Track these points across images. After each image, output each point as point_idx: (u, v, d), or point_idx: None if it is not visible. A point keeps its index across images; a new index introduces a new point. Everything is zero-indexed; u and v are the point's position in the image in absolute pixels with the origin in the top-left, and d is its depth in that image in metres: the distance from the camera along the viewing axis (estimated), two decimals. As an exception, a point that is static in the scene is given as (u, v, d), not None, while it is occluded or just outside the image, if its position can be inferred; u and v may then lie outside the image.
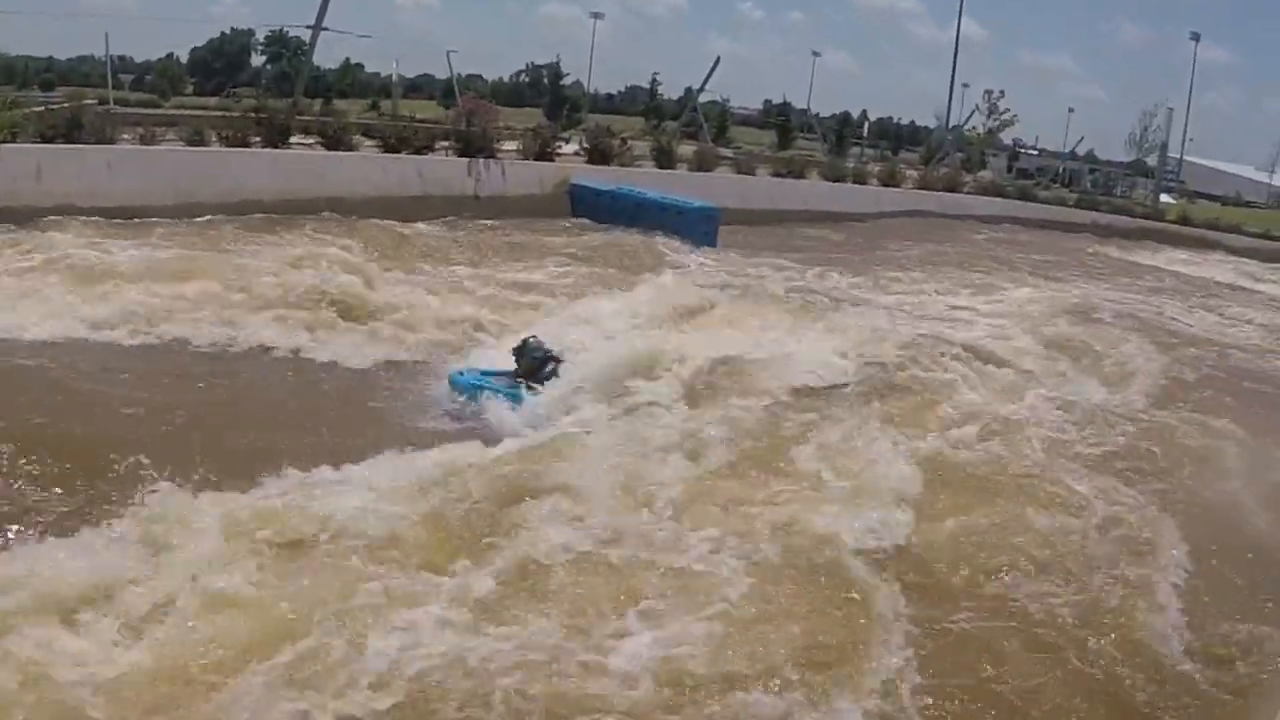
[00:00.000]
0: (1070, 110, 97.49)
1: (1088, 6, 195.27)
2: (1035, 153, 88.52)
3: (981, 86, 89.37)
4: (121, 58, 79.40)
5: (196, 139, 27.77)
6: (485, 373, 13.75)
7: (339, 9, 34.01)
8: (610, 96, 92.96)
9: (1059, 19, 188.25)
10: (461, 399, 13.23)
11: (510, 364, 13.73)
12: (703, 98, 55.86)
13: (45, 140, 24.53)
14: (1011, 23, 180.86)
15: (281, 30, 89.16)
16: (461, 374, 13.73)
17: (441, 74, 62.09)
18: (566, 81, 74.53)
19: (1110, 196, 66.65)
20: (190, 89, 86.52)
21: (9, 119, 24.31)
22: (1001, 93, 74.41)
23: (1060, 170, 75.40)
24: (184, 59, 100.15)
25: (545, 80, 76.68)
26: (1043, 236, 46.71)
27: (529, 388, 13.08)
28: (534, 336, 13.92)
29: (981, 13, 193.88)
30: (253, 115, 30.04)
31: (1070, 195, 62.42)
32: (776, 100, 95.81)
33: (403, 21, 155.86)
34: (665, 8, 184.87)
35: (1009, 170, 74.87)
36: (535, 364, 13.36)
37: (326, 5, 34.58)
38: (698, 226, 29.19)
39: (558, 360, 13.40)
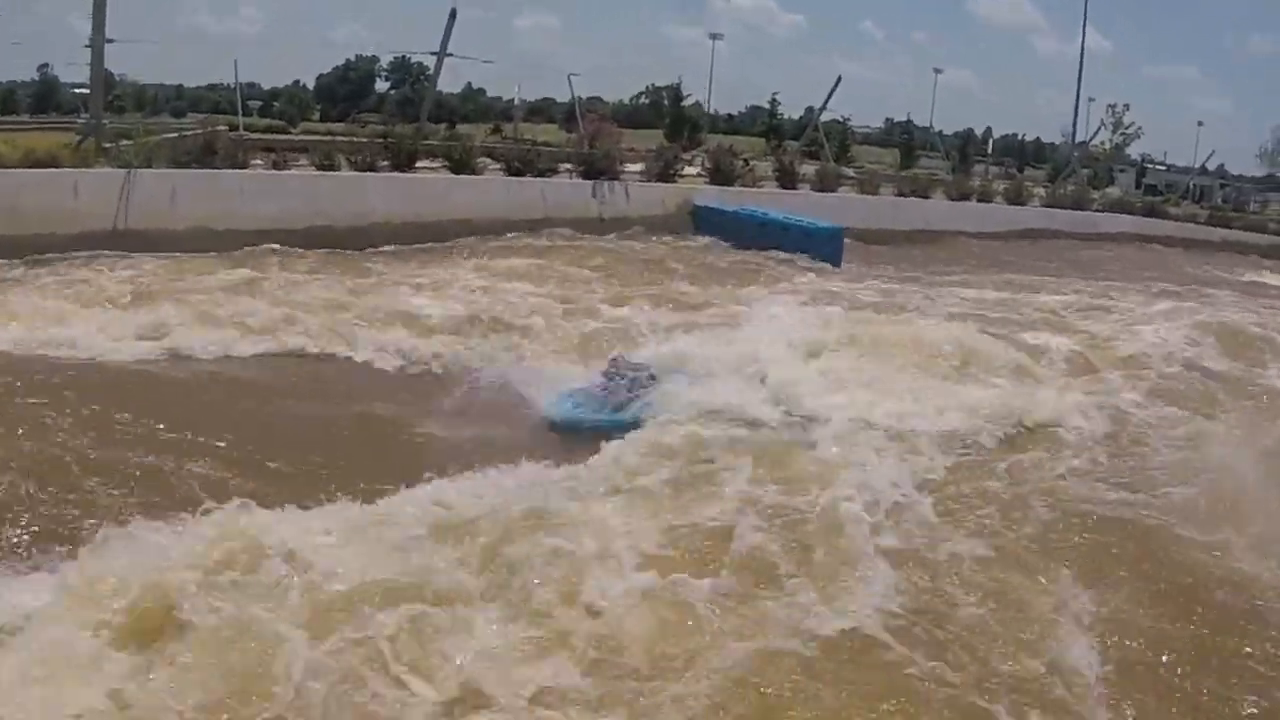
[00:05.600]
0: (1199, 124, 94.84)
1: (1215, 17, 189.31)
2: (1164, 168, 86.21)
3: (1106, 100, 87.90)
4: (250, 84, 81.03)
5: (327, 164, 28.21)
6: (575, 400, 13.26)
7: (461, 35, 34.50)
8: (730, 117, 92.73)
9: (1185, 30, 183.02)
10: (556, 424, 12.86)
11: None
12: (824, 117, 55.38)
13: (179, 165, 25.05)
14: (1136, 35, 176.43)
15: (405, 57, 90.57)
16: (562, 414, 13.08)
17: (562, 97, 62.36)
18: (687, 103, 74.34)
19: (1243, 212, 64.65)
20: (317, 115, 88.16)
21: (144, 145, 24.86)
22: (1126, 106, 72.92)
23: (1190, 186, 73.35)
24: (310, 86, 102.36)
25: (665, 101, 76.60)
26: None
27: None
28: (620, 356, 13.85)
29: (1105, 25, 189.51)
30: (380, 140, 30.47)
31: (1201, 211, 60.64)
32: (899, 118, 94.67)
33: (522, 45, 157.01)
34: (784, 28, 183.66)
35: (1137, 186, 72.98)
36: (621, 385, 13.19)
37: (450, 32, 34.95)
38: (822, 246, 28.79)
39: (649, 375, 13.35)
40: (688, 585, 8.20)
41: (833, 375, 14.28)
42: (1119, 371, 16.92)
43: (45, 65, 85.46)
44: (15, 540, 8.54)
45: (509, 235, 27.40)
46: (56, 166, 23.06)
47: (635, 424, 12.41)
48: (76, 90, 63.62)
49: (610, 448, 11.43)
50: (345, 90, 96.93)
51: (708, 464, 11.19)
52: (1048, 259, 36.95)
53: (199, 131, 29.18)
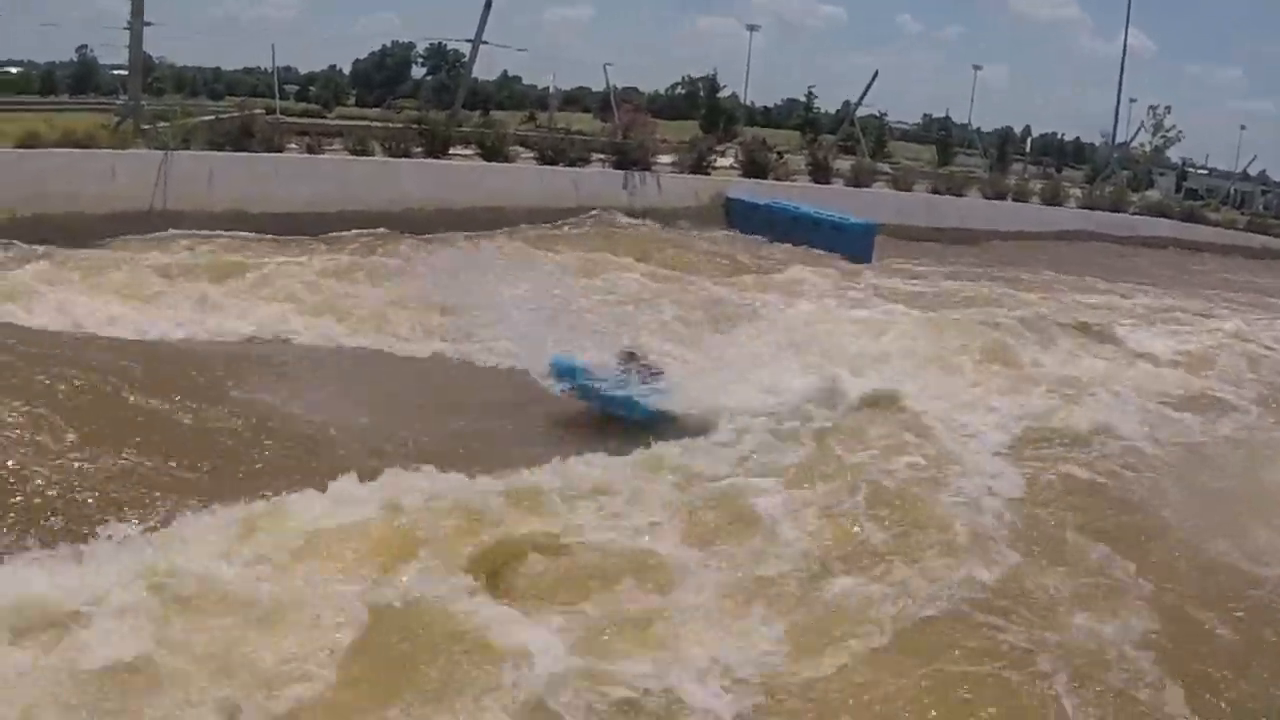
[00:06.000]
0: (1242, 128, 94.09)
1: (1261, 18, 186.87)
2: (1205, 172, 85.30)
3: (1147, 101, 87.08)
4: (286, 69, 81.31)
5: (360, 149, 28.36)
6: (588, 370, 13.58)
7: (496, 23, 34.63)
8: (766, 109, 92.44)
9: (1230, 30, 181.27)
10: (557, 382, 13.40)
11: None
12: (860, 111, 55.22)
13: (216, 147, 25.25)
14: (1180, 34, 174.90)
15: (441, 44, 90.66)
16: (562, 362, 13.58)
17: (597, 86, 62.35)
18: (722, 95, 74.16)
19: (1282, 219, 63.77)
20: (352, 100, 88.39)
21: (181, 127, 25.05)
22: (1167, 108, 71.53)
23: (1231, 191, 72.49)
24: (346, 71, 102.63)
25: (701, 93, 76.41)
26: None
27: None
28: (631, 347, 14.18)
29: (1148, 24, 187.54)
30: (414, 126, 30.58)
31: (1241, 217, 59.69)
32: (936, 114, 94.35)
33: (558, 35, 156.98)
34: (822, 20, 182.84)
35: (1177, 190, 72.09)
36: (633, 374, 13.47)
37: (486, 20, 35.07)
38: (853, 242, 28.79)
39: (650, 370, 13.66)
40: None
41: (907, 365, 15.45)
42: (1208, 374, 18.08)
43: (84, 46, 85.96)
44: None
45: (557, 223, 27.82)
46: (94, 147, 23.27)
47: (659, 413, 12.82)
48: (115, 72, 63.85)
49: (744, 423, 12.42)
50: (381, 76, 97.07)
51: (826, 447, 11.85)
52: (1090, 261, 36.76)
53: (235, 114, 29.39)
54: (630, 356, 13.75)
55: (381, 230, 24.23)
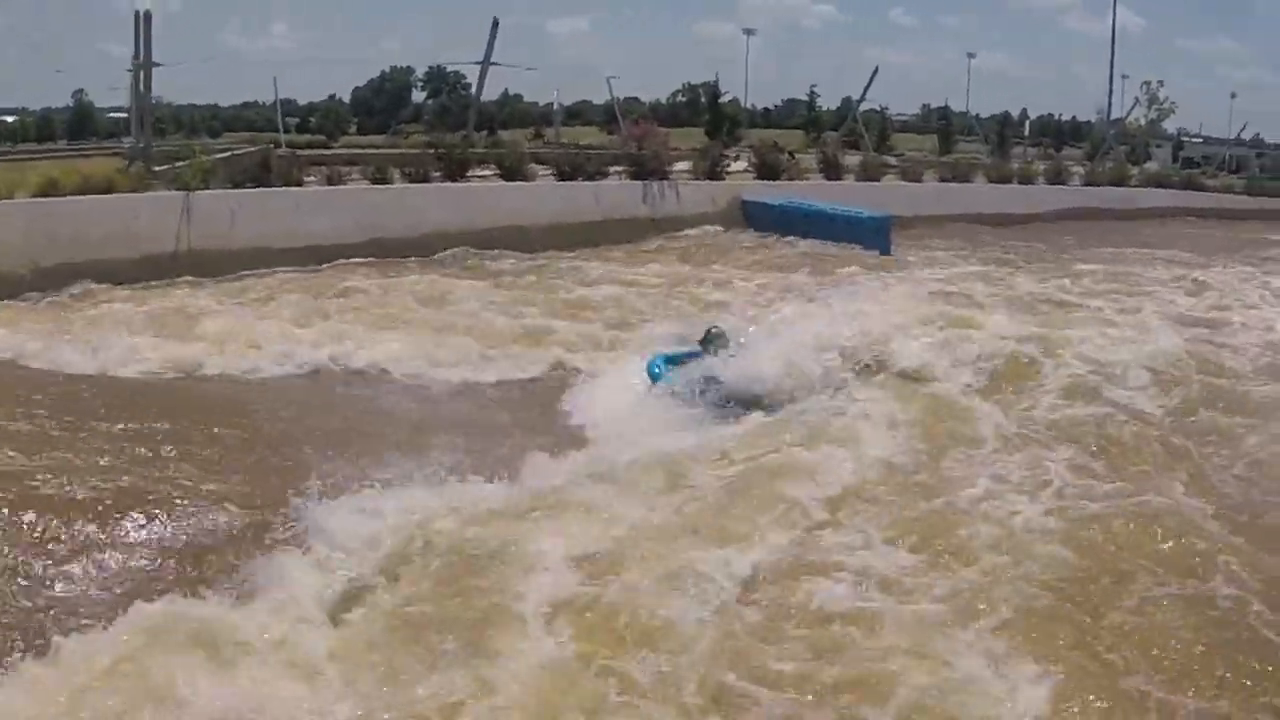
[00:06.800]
0: (1233, 95, 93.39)
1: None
2: (1199, 140, 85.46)
3: (1141, 77, 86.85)
4: (286, 100, 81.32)
5: (379, 177, 28.27)
6: (672, 358, 13.34)
7: (497, 42, 34.62)
8: (768, 111, 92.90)
9: (1215, 2, 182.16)
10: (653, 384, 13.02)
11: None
12: (861, 107, 55.13)
13: (236, 185, 25.13)
14: (1168, 9, 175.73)
15: (440, 66, 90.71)
16: (656, 366, 13.29)
17: (598, 99, 62.56)
18: (724, 99, 74.11)
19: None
20: (354, 128, 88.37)
21: (201, 166, 24.90)
22: (1160, 83, 71.87)
23: (1226, 157, 72.63)
24: (345, 99, 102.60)
25: (703, 99, 76.33)
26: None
27: None
28: (717, 326, 13.77)
29: (1136, 2, 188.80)
30: (430, 151, 30.47)
31: (1238, 182, 59.72)
32: (935, 104, 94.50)
33: (557, 49, 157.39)
34: (817, 19, 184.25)
35: (1174, 159, 72.22)
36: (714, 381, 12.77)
37: (494, 41, 35.13)
38: (870, 235, 28.66)
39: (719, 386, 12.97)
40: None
41: None
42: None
43: (80, 91, 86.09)
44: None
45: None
46: (113, 192, 23.11)
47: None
48: (113, 115, 63.88)
49: None
50: (382, 102, 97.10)
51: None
52: (1104, 236, 36.65)
53: (253, 150, 29.31)
54: (715, 338, 13.25)
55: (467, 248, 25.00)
